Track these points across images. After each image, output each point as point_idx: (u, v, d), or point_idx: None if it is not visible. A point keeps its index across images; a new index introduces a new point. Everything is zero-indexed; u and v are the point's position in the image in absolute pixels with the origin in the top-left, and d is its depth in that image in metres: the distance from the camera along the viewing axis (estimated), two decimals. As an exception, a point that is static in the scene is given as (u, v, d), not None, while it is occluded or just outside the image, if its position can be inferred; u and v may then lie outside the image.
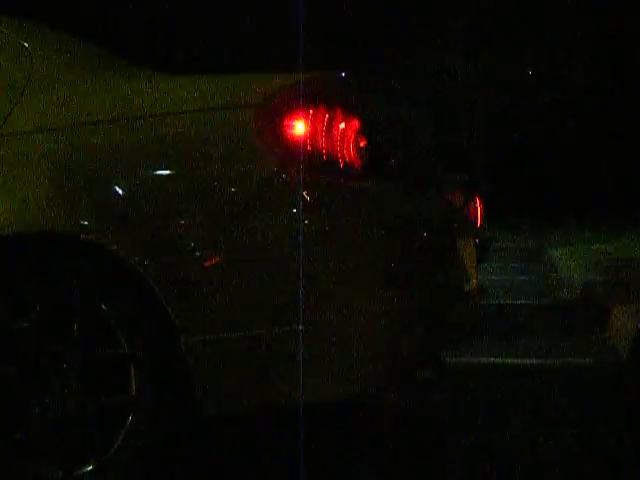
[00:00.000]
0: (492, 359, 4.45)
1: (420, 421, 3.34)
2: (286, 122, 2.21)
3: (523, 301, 7.28)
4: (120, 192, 2.23)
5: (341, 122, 2.31)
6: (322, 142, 2.24)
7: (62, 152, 2.31)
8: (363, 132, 2.39)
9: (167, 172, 2.26)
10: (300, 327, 2.10)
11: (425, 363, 2.65)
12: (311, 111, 2.23)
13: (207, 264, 2.17)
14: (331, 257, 2.16)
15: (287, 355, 2.13)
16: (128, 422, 2.19)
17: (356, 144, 2.36)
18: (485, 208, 6.13)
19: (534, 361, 4.46)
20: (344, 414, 3.23)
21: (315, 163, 2.22)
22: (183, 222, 2.18)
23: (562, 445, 2.91)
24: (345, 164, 2.32)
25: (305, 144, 2.21)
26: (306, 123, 2.22)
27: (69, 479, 2.22)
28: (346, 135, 2.33)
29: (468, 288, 3.06)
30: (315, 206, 2.16)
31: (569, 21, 20.79)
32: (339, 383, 2.19)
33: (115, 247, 2.17)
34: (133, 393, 2.20)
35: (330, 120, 2.27)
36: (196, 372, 2.14)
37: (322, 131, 2.24)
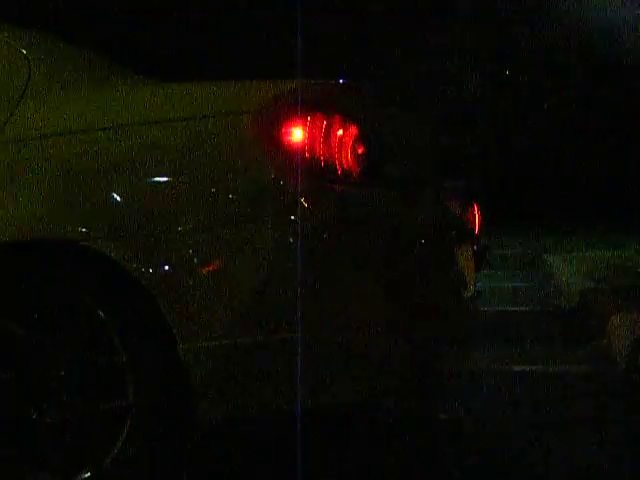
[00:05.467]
0: (489, 366, 4.45)
1: (418, 426, 3.34)
2: (284, 129, 2.21)
3: (520, 308, 7.28)
4: (118, 199, 2.23)
5: (339, 129, 2.32)
6: (320, 149, 2.25)
7: (60, 159, 2.31)
8: (361, 139, 2.39)
9: (165, 179, 2.26)
10: (298, 334, 2.11)
11: (423, 370, 2.65)
12: (309, 118, 2.23)
13: (205, 271, 2.17)
14: (329, 264, 2.16)
15: (285, 361, 2.13)
16: (126, 428, 2.19)
17: (354, 151, 2.37)
18: (483, 215, 6.12)
19: (531, 368, 4.45)
20: (343, 416, 3.23)
21: (313, 170, 2.22)
22: (181, 229, 2.18)
23: (559, 451, 2.91)
24: (343, 171, 2.32)
25: (303, 151, 2.21)
26: (304, 130, 2.22)
27: (66, 486, 2.22)
28: (344, 142, 2.33)
29: (466, 295, 3.06)
30: (313, 213, 2.17)
31: (569, 22, 20.83)
32: (337, 389, 2.19)
33: (113, 254, 2.17)
34: (131, 399, 2.20)
35: (328, 127, 2.27)
36: (194, 378, 2.14)
37: (320, 138, 2.25)
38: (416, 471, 2.73)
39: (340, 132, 2.32)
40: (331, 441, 3.02)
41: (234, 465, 2.75)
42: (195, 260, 2.17)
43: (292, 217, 2.14)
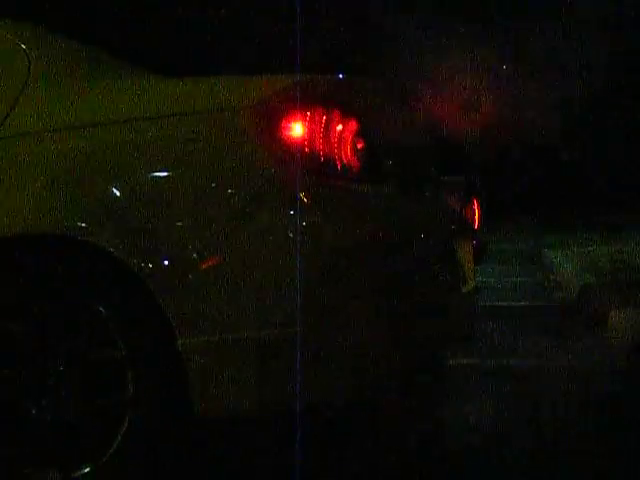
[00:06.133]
0: (489, 361, 4.45)
1: (418, 423, 3.33)
2: (284, 124, 2.21)
3: (520, 303, 7.28)
4: (118, 193, 2.23)
5: (339, 124, 2.31)
6: (320, 144, 2.24)
7: (60, 154, 2.31)
8: (361, 134, 2.39)
9: (165, 174, 2.26)
10: (297, 329, 2.10)
11: (423, 365, 2.65)
12: (308, 113, 2.23)
13: (205, 266, 2.17)
14: (329, 259, 2.16)
15: (284, 357, 2.13)
16: (125, 424, 2.19)
17: (354, 146, 2.37)
18: (482, 210, 6.13)
19: (531, 363, 4.45)
20: (343, 416, 3.23)
21: (313, 165, 2.22)
22: (181, 224, 2.18)
23: (560, 446, 2.91)
24: (343, 166, 2.32)
25: (303, 146, 2.21)
26: (304, 125, 2.22)
27: (66, 481, 2.23)
28: (344, 137, 2.33)
29: (465, 290, 3.06)
30: (313, 208, 2.16)
31: (568, 21, 20.86)
32: (337, 386, 2.19)
33: (113, 249, 2.17)
34: (130, 395, 2.20)
35: (328, 122, 2.27)
36: (193, 374, 2.14)
37: (320, 133, 2.24)
38: (416, 471, 2.73)
39: (340, 127, 2.32)
40: (331, 441, 3.02)
41: (234, 465, 2.74)
42: (194, 255, 2.16)
43: (292, 212, 2.14)
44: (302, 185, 2.16)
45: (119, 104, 2.38)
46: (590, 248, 11.57)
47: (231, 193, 2.20)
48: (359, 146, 2.39)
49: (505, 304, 7.05)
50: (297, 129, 2.21)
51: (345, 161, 2.33)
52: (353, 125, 2.36)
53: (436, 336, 2.59)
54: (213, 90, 2.35)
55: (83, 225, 2.21)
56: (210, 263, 2.17)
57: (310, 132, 2.22)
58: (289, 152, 2.20)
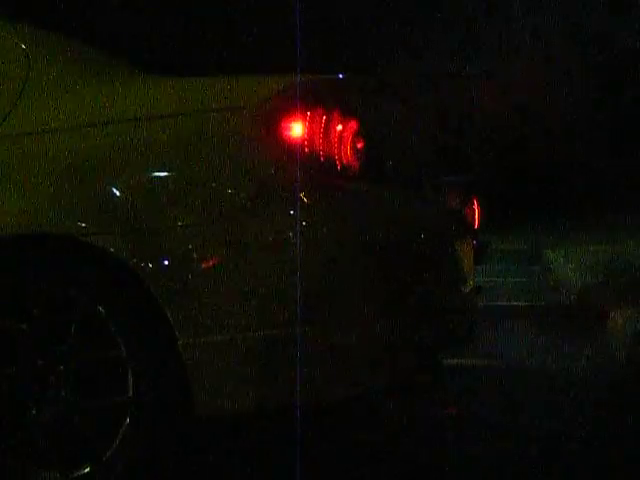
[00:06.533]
0: (489, 361, 4.45)
1: (418, 422, 3.34)
2: (284, 124, 2.21)
3: (520, 303, 7.28)
4: (118, 194, 2.23)
5: (339, 124, 2.31)
6: (319, 144, 2.24)
7: (61, 154, 2.31)
8: (361, 134, 2.39)
9: (165, 174, 2.26)
10: (298, 329, 2.10)
11: (423, 365, 2.65)
12: (309, 113, 2.23)
13: (205, 266, 2.17)
14: (329, 259, 2.16)
15: (285, 357, 2.13)
16: (125, 424, 2.19)
17: (354, 146, 2.36)
18: (483, 210, 6.12)
19: (531, 363, 4.46)
20: (343, 415, 3.23)
21: (313, 165, 2.22)
22: (181, 224, 2.18)
23: (559, 446, 2.91)
24: (343, 166, 2.32)
25: (302, 146, 2.21)
26: (304, 125, 2.22)
27: (66, 481, 2.22)
28: (344, 137, 2.33)
29: (465, 289, 3.06)
30: (313, 208, 2.16)
31: (570, 20, 20.89)
32: (337, 385, 2.19)
33: (113, 249, 2.17)
34: (130, 395, 2.20)
35: (328, 122, 2.27)
36: (194, 374, 2.14)
37: (320, 133, 2.24)
38: (417, 471, 2.73)
39: (339, 127, 2.31)
40: (330, 441, 3.01)
41: (234, 465, 2.74)
42: (194, 255, 2.16)
43: (292, 212, 2.14)
44: (302, 185, 2.16)
45: (119, 104, 2.38)
46: (590, 247, 11.57)
47: (231, 193, 2.20)
48: (359, 146, 2.39)
49: (505, 304, 7.05)
50: (297, 129, 2.21)
51: (345, 161, 2.33)
52: (353, 125, 2.36)
53: (436, 336, 2.59)
54: (213, 90, 2.35)
55: (83, 225, 2.21)
56: (210, 263, 2.17)
57: (310, 132, 2.22)
58: (289, 152, 2.20)
